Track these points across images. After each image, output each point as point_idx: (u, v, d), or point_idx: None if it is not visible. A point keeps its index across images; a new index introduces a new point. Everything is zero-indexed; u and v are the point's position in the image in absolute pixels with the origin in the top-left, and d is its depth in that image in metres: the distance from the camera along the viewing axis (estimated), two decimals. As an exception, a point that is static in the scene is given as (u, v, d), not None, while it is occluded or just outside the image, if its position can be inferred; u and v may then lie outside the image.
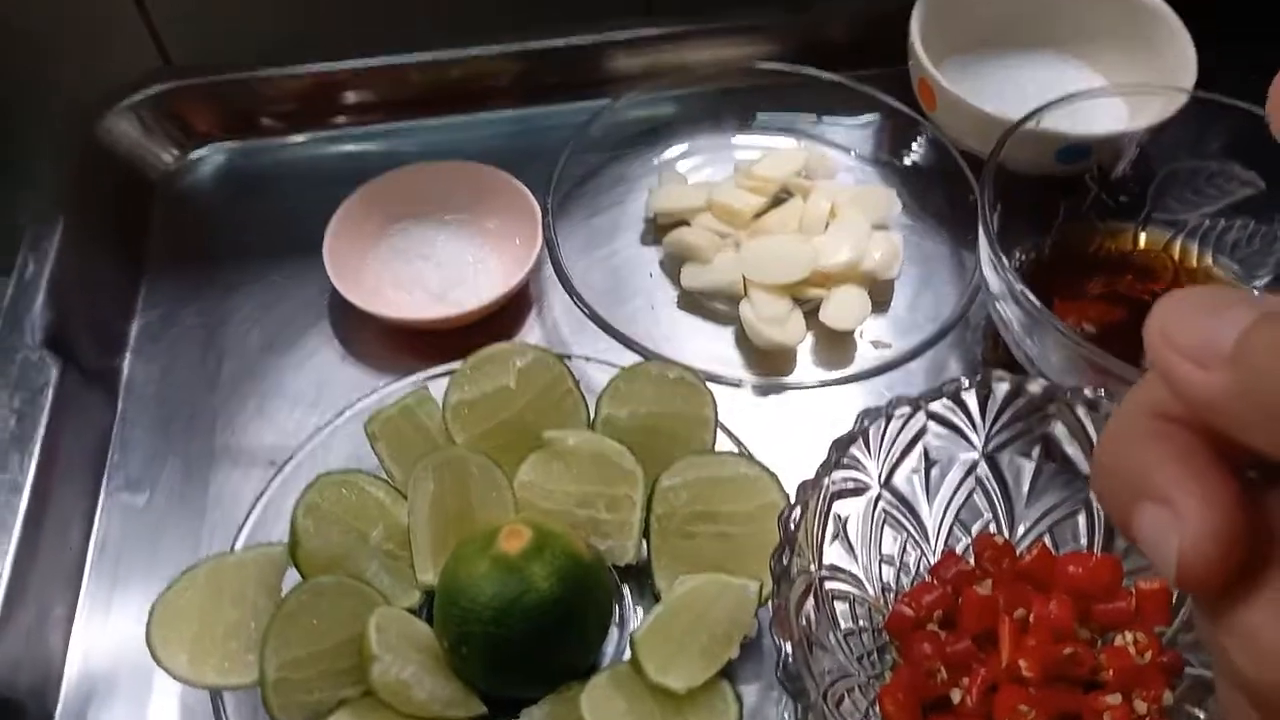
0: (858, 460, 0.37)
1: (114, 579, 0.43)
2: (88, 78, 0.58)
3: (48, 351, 0.46)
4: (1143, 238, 0.51)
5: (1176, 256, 0.50)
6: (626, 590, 0.41)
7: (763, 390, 0.48)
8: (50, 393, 0.45)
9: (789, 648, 0.31)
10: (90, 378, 0.48)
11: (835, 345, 0.50)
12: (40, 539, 0.42)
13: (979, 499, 0.40)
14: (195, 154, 0.59)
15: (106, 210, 0.54)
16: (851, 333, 0.50)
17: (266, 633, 0.34)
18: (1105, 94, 0.50)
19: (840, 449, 0.36)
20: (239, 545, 0.39)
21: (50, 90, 0.61)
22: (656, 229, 0.54)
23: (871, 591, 0.39)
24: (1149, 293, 0.50)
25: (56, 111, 0.58)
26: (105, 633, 0.42)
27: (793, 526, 0.33)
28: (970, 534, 0.40)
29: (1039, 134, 0.48)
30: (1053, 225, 0.50)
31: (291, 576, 0.38)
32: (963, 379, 0.38)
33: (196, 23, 0.61)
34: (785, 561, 0.33)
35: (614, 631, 0.40)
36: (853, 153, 0.58)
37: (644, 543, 0.40)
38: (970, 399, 0.38)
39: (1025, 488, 0.40)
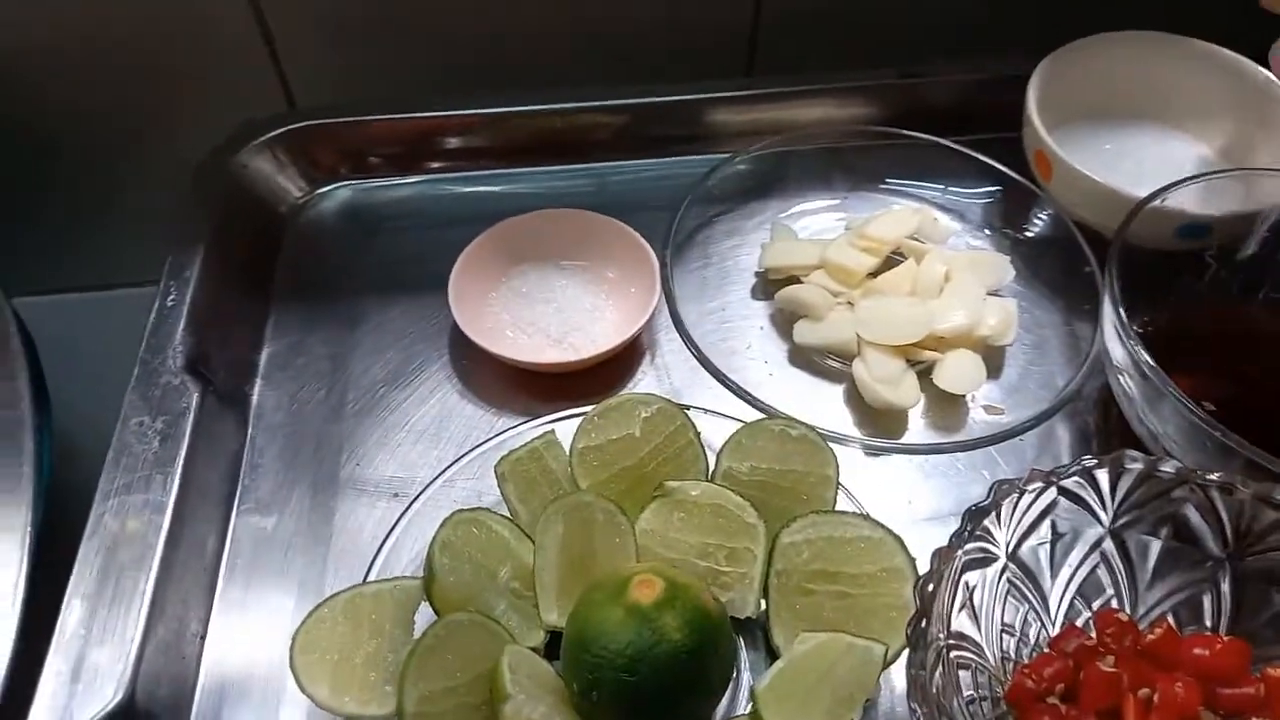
0: (988, 532, 0.37)
1: (244, 598, 0.45)
2: (218, 116, 0.61)
3: (188, 376, 0.48)
4: (1260, 316, 0.51)
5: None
6: (740, 643, 0.42)
7: (873, 451, 0.49)
8: (191, 417, 0.47)
9: (921, 715, 0.32)
10: (225, 403, 0.50)
11: (947, 409, 0.50)
12: (177, 558, 0.43)
13: (1102, 574, 0.40)
14: (322, 190, 0.62)
15: (240, 241, 0.57)
16: (964, 397, 0.50)
17: (406, 666, 0.35)
18: (1232, 174, 0.50)
19: (974, 520, 0.36)
20: (371, 577, 0.41)
21: (182, 124, 0.64)
22: (767, 284, 0.56)
23: (992, 660, 0.39)
24: (1264, 371, 0.49)
25: (186, 144, 0.61)
26: (235, 649, 0.43)
27: (930, 592, 0.34)
28: (1091, 608, 0.40)
29: (1162, 211, 0.48)
30: (1169, 300, 0.50)
31: (423, 610, 0.39)
32: (1096, 458, 0.38)
33: (319, 70, 0.64)
34: (924, 628, 0.33)
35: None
36: (964, 218, 0.58)
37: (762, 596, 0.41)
38: (1102, 476, 0.38)
39: (1150, 565, 0.40)
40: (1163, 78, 0.59)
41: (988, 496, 0.37)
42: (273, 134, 0.60)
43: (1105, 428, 0.50)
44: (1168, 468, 0.38)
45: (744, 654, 0.42)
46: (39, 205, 0.69)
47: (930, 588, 0.34)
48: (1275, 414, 0.48)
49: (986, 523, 0.37)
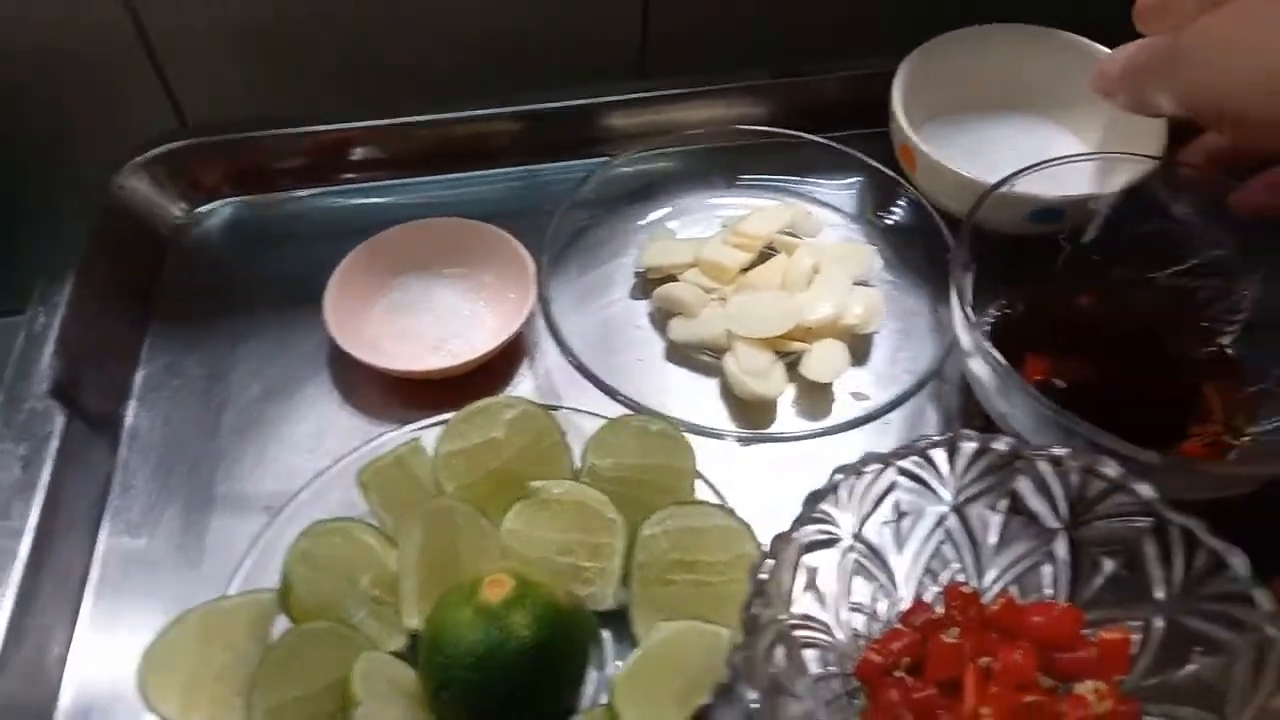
0: (829, 514, 0.38)
1: (110, 620, 0.44)
2: (107, 137, 0.61)
3: (54, 401, 0.48)
4: (1109, 296, 0.52)
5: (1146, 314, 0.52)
6: (607, 635, 0.42)
7: (744, 441, 0.50)
8: (55, 441, 0.47)
9: (757, 697, 0.33)
10: (94, 426, 0.49)
11: (816, 397, 0.51)
12: (40, 582, 0.43)
13: (948, 550, 0.41)
14: (204, 209, 0.61)
15: (117, 264, 0.56)
16: (831, 385, 0.51)
17: (254, 678, 0.36)
18: (1077, 160, 0.52)
19: (812, 503, 0.37)
20: (232, 589, 0.41)
21: (72, 149, 0.64)
22: (646, 284, 0.56)
23: (842, 638, 0.40)
24: (1111, 351, 0.51)
25: (76, 169, 0.60)
26: (99, 672, 0.43)
27: (763, 578, 0.35)
28: (939, 582, 0.41)
29: (1013, 196, 0.49)
30: (1026, 282, 0.52)
31: (282, 622, 0.39)
32: (933, 436, 0.39)
33: (210, 86, 0.64)
34: (755, 612, 0.34)
35: (594, 674, 0.41)
36: (837, 211, 0.60)
37: (625, 589, 0.41)
38: (939, 456, 0.39)
39: (993, 539, 0.41)
40: (1031, 70, 0.60)
41: (827, 481, 0.38)
42: (151, 154, 0.60)
43: (968, 409, 0.51)
44: (1000, 444, 0.39)
45: (613, 646, 0.42)
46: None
47: (763, 571, 0.35)
48: (1124, 392, 0.49)
49: (825, 506, 0.38)
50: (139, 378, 0.53)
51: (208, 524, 0.47)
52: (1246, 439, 0.47)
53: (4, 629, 0.40)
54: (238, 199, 0.62)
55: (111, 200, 0.58)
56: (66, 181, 0.61)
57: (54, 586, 0.44)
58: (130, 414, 0.52)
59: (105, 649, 0.44)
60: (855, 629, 0.40)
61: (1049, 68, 0.60)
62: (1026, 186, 0.50)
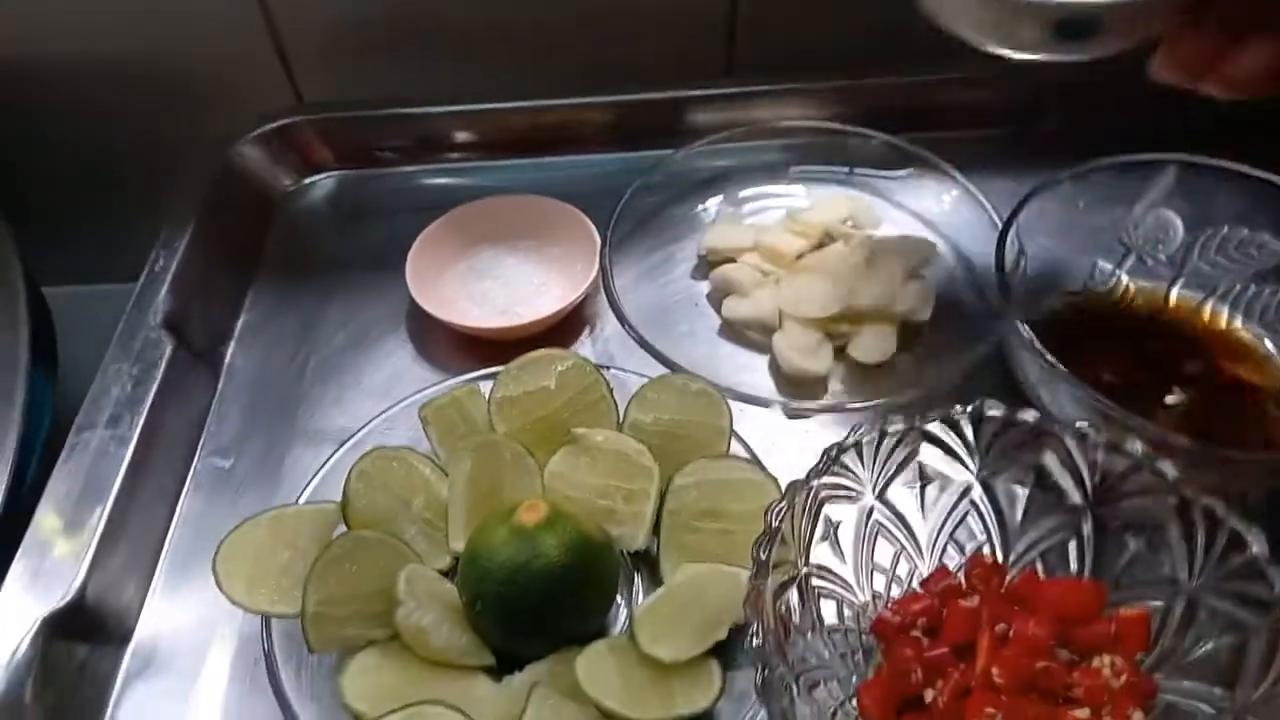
0: (849, 469, 0.40)
1: (198, 525, 0.49)
2: (234, 112, 0.67)
3: (164, 331, 0.53)
4: (1173, 297, 0.52)
5: (1205, 318, 0.52)
6: (639, 577, 0.45)
7: (790, 413, 0.51)
8: (163, 365, 0.52)
9: (756, 624, 0.34)
10: (198, 358, 0.55)
11: (863, 379, 0.53)
12: (140, 486, 0.48)
13: (974, 521, 0.42)
14: (311, 179, 0.67)
15: (231, 221, 0.63)
16: (879, 367, 0.53)
17: (311, 571, 0.39)
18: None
19: (832, 456, 0.39)
20: (301, 501, 0.45)
21: (200, 121, 0.71)
22: (707, 265, 0.59)
23: (861, 596, 0.41)
24: (1171, 352, 0.51)
25: (205, 138, 0.67)
26: (185, 568, 0.48)
27: (775, 520, 0.37)
28: (965, 553, 0.42)
29: (1032, 5, 0.38)
30: (1085, 278, 0.53)
31: (341, 531, 0.43)
32: (957, 406, 0.40)
33: (325, 68, 0.70)
34: (765, 552, 0.36)
35: (622, 612, 0.44)
36: (898, 206, 0.61)
37: (655, 534, 0.44)
38: (965, 424, 0.40)
39: (1019, 513, 0.42)
40: None
41: (847, 435, 0.40)
42: (267, 128, 0.66)
43: (1016, 400, 0.51)
44: (1026, 416, 0.40)
45: (641, 587, 0.45)
46: (80, 203, 0.76)
47: (777, 513, 0.37)
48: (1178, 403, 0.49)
49: (846, 460, 0.39)
50: (240, 322, 0.59)
51: (287, 450, 0.52)
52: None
53: (105, 521, 0.45)
54: (340, 172, 0.68)
55: (230, 166, 0.65)
56: (196, 149, 0.67)
57: (150, 491, 0.49)
58: (230, 353, 0.57)
59: (191, 550, 0.49)
60: (876, 589, 0.42)
61: None
62: None
